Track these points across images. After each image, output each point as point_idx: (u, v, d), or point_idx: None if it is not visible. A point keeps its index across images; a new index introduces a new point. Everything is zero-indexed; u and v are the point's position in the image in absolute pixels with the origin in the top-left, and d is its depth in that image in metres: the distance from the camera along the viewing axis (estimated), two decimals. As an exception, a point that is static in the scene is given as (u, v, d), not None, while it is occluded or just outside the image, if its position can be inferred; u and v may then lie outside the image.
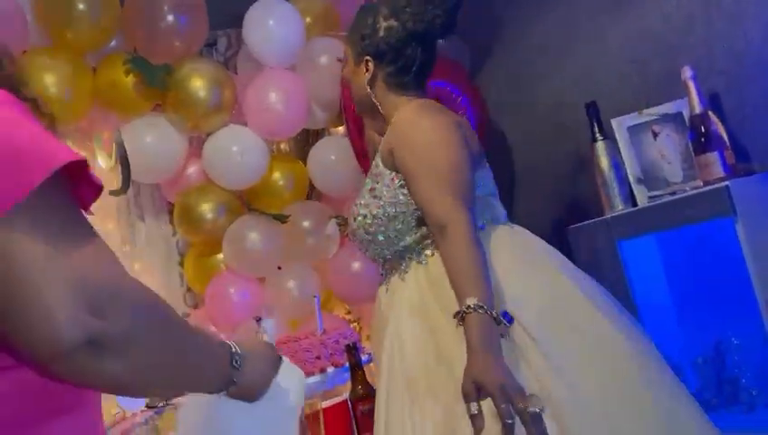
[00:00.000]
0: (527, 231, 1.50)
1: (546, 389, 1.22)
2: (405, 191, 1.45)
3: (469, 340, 1.16)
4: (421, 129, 1.45)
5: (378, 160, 1.53)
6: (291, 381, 1.00)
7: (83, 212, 0.73)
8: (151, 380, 0.76)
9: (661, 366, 1.36)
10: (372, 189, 1.51)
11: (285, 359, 1.02)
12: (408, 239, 1.47)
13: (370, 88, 1.57)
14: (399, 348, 1.39)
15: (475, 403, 1.05)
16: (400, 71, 1.55)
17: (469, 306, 1.18)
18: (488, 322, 1.17)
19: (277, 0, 2.53)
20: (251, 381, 0.91)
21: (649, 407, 1.27)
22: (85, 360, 0.66)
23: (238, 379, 0.88)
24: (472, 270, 1.24)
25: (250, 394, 0.92)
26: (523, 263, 1.42)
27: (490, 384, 1.07)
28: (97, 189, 0.74)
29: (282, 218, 2.52)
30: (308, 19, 2.65)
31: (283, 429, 0.99)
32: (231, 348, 0.88)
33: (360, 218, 1.51)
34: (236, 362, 0.88)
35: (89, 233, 0.71)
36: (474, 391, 1.08)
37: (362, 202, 1.52)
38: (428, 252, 1.44)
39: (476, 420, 1.01)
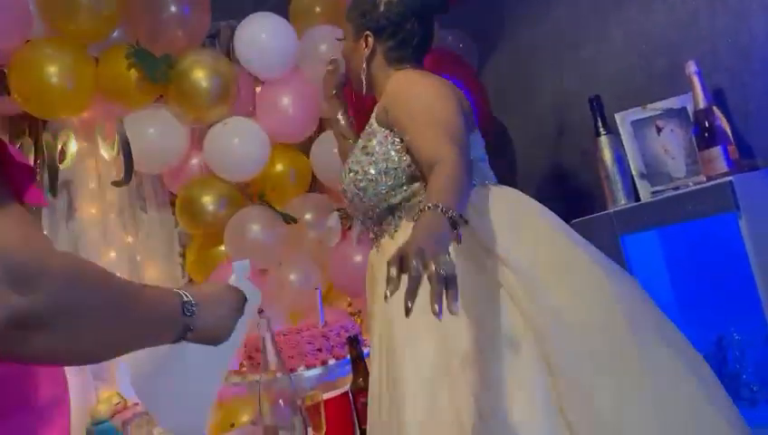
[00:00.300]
0: (518, 191, 1.51)
1: (531, 321, 1.26)
2: (397, 148, 1.48)
3: (414, 226, 1.13)
4: (418, 85, 1.50)
5: (372, 120, 1.56)
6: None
7: (10, 192, 0.72)
8: (92, 346, 0.76)
9: (647, 308, 1.34)
10: (364, 147, 1.53)
11: (251, 290, 1.05)
12: (398, 196, 1.48)
13: (369, 63, 1.61)
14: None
15: (394, 268, 0.97)
16: (400, 45, 1.58)
17: (429, 206, 1.13)
18: (440, 217, 1.11)
19: (269, 14, 2.54)
20: (210, 326, 0.92)
21: (631, 348, 1.26)
22: (9, 337, 0.65)
23: (194, 326, 0.89)
24: (450, 185, 1.21)
25: (211, 339, 0.94)
26: (515, 213, 1.43)
27: (411, 246, 1.00)
28: (27, 170, 0.74)
29: (288, 219, 2.51)
30: (317, 9, 2.65)
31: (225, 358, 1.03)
32: (183, 297, 0.89)
33: (351, 175, 1.53)
34: (188, 311, 0.88)
35: (9, 211, 0.70)
36: (398, 258, 0.99)
37: (353, 160, 1.54)
38: (420, 208, 1.39)
39: (390, 283, 0.95)
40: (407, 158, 1.47)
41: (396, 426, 1.27)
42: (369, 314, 1.61)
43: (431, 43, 1.64)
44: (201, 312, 0.90)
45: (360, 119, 2.06)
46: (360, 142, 1.56)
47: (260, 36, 2.50)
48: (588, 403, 1.20)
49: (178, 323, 0.88)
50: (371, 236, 1.59)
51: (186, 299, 0.89)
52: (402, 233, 1.46)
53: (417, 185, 1.47)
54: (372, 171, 1.49)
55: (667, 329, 1.33)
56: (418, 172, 1.46)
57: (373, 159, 1.50)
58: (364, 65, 1.61)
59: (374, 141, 1.51)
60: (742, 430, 1.24)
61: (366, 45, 1.60)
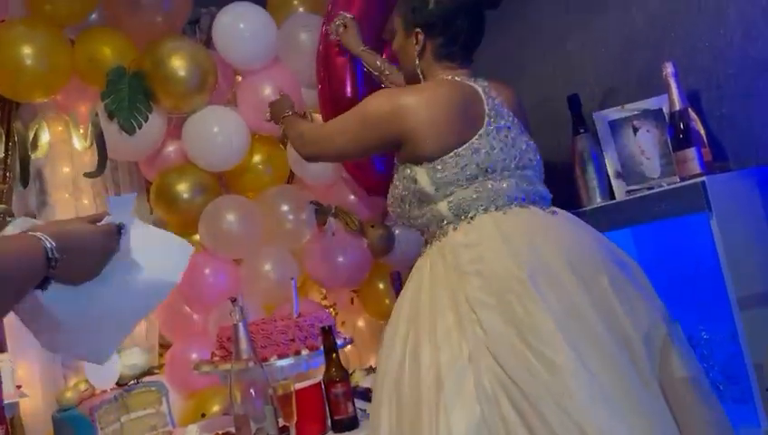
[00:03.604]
0: (528, 212, 1.46)
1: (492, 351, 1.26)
2: (401, 175, 1.54)
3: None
4: (380, 95, 1.55)
5: None
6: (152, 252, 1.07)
7: None
8: None
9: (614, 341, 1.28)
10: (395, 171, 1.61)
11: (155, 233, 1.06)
12: (421, 219, 1.52)
13: (420, 59, 1.61)
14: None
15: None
16: (449, 42, 1.58)
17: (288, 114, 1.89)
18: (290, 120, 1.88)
19: (247, 4, 2.51)
20: (74, 271, 0.91)
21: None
22: None
23: (58, 272, 0.87)
24: (295, 129, 1.80)
25: (70, 282, 0.93)
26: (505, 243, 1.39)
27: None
28: None
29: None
30: (295, 2, 2.63)
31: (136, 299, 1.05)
32: (47, 253, 0.86)
33: (389, 199, 1.61)
34: (53, 264, 0.87)
35: None
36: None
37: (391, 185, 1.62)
38: (446, 229, 1.47)
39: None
40: (410, 185, 1.51)
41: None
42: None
43: (480, 39, 1.64)
44: (64, 263, 0.88)
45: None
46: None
47: (238, 27, 2.47)
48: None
49: (41, 274, 0.86)
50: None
51: (51, 255, 0.86)
52: (445, 242, 1.46)
53: (431, 208, 1.49)
54: (394, 196, 1.58)
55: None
56: (427, 195, 1.48)
57: (394, 183, 1.58)
58: (417, 61, 1.60)
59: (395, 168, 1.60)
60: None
61: (417, 42, 1.60)
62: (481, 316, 1.28)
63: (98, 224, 1.02)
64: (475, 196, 1.45)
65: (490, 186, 1.46)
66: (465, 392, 1.22)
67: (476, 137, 1.48)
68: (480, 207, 1.44)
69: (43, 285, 0.89)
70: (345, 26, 2.14)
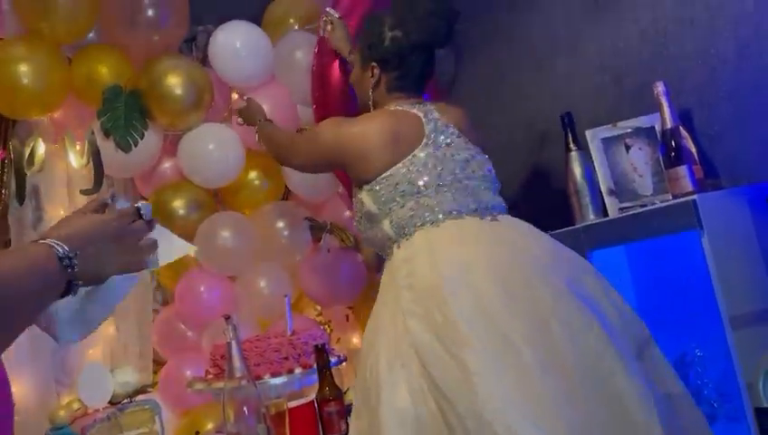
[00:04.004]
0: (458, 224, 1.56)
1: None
2: (355, 198, 1.70)
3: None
4: (328, 124, 1.76)
5: None
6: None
7: None
8: None
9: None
10: None
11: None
12: (375, 239, 1.68)
13: (374, 91, 1.77)
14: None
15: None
16: (402, 76, 1.74)
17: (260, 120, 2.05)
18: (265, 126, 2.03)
19: (243, 23, 2.53)
20: (93, 271, 0.86)
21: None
22: None
23: (79, 274, 0.83)
24: (273, 137, 1.99)
25: (98, 279, 0.89)
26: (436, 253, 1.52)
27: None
28: None
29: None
30: (291, 19, 2.65)
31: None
32: (57, 251, 0.81)
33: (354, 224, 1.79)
34: (68, 264, 0.82)
35: None
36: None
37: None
38: (392, 248, 1.62)
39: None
40: (360, 207, 1.67)
41: None
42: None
43: (433, 74, 1.80)
44: (82, 262, 0.83)
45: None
46: None
47: (234, 45, 2.48)
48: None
49: (60, 280, 0.81)
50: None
51: (61, 253, 0.81)
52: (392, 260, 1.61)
53: (384, 225, 1.62)
54: (354, 222, 1.74)
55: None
56: (373, 215, 1.64)
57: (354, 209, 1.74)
58: (371, 92, 1.77)
59: None
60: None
61: (372, 75, 1.75)
62: (410, 326, 1.39)
63: (112, 207, 0.98)
64: (410, 213, 1.57)
65: (424, 202, 1.58)
66: (399, 397, 1.34)
67: (410, 156, 1.62)
68: (417, 224, 1.56)
69: (69, 290, 0.84)
70: (332, 25, 2.14)
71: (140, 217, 0.98)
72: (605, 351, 1.34)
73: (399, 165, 1.60)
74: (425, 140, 1.64)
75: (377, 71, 1.74)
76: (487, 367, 1.28)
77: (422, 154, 1.62)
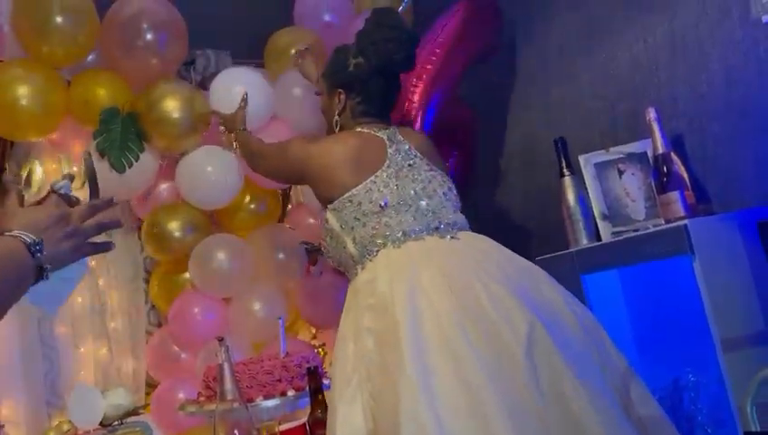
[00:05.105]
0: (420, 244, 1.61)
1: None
2: (322, 219, 1.75)
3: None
4: (296, 140, 1.87)
5: None
6: None
7: None
8: None
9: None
10: None
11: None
12: (339, 259, 1.73)
13: (341, 116, 1.85)
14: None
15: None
16: (365, 101, 1.82)
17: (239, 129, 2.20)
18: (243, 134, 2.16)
19: (245, 70, 2.54)
20: (55, 255, 0.91)
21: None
22: None
23: (46, 258, 0.87)
24: (248, 147, 2.12)
25: (62, 263, 0.94)
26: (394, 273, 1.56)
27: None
28: None
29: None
30: (292, 51, 2.66)
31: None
32: (24, 240, 0.86)
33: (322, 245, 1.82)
34: (37, 249, 0.86)
35: None
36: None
37: None
38: (356, 269, 1.66)
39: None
40: (326, 226, 1.72)
41: None
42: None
43: (397, 98, 1.88)
44: (47, 244, 0.88)
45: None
46: None
47: (235, 92, 2.41)
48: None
49: (33, 267, 0.86)
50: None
51: (29, 241, 0.86)
52: (355, 281, 1.66)
53: (342, 248, 1.69)
54: (324, 238, 1.77)
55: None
56: (337, 234, 1.69)
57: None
58: (336, 118, 1.84)
59: None
60: None
61: (339, 101, 1.84)
62: (366, 343, 1.46)
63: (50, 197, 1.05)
64: (372, 232, 1.63)
65: (385, 222, 1.63)
66: (355, 411, 1.40)
67: (372, 177, 1.68)
68: (378, 243, 1.62)
69: (41, 275, 0.88)
70: (302, 56, 2.28)
71: (66, 197, 1.04)
72: (551, 358, 1.39)
73: (361, 185, 1.67)
74: (387, 162, 1.71)
75: (342, 96, 1.83)
76: (420, 377, 1.31)
77: (384, 175, 1.68)
